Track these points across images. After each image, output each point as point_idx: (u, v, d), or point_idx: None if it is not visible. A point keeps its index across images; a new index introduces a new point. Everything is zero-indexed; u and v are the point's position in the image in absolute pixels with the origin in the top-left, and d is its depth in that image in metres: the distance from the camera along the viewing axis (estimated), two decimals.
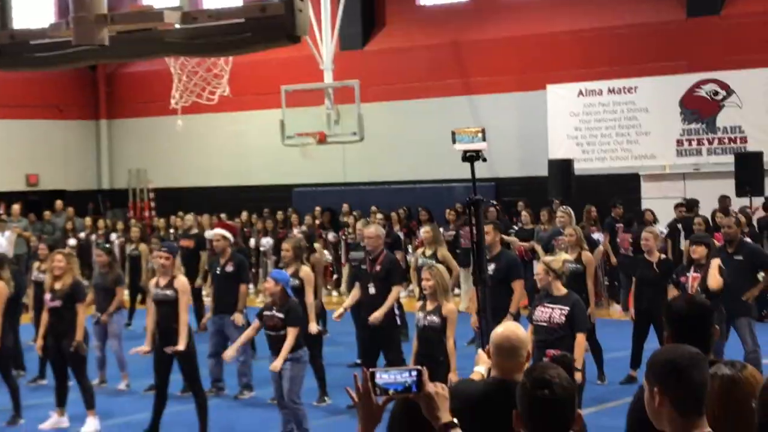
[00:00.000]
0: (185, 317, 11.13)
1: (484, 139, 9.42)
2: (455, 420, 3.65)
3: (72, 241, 24.62)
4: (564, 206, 16.47)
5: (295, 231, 22.04)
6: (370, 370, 3.69)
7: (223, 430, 11.03)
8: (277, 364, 10.36)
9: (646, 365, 3.74)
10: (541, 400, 3.71)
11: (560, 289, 9.92)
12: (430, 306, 10.35)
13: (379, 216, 22.30)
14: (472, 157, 9.43)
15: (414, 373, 3.65)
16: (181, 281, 11.35)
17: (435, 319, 10.21)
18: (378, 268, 12.27)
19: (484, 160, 9.39)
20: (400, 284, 12.51)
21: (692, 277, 11.88)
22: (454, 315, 10.23)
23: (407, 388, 3.65)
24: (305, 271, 12.58)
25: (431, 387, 3.65)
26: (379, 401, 3.67)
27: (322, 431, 11.05)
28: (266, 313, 10.70)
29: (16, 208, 25.09)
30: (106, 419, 12.07)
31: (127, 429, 11.77)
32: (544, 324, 9.68)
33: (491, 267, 11.90)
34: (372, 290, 12.24)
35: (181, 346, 11.02)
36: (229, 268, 13.43)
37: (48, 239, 22.44)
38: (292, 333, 10.43)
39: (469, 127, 9.81)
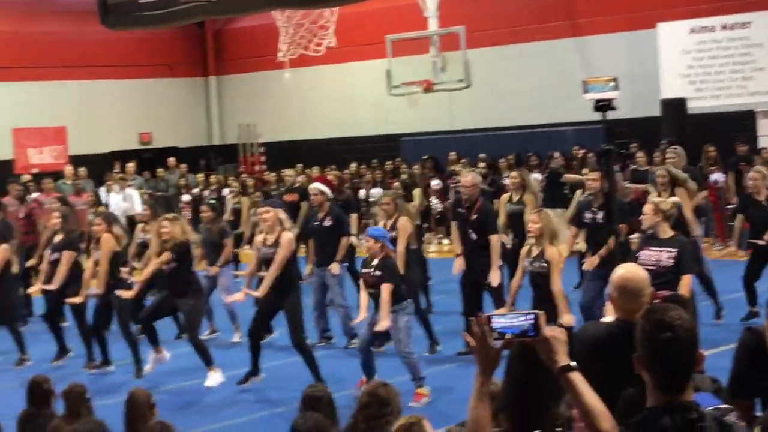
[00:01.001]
0: (273, 272, 11.21)
1: (616, 88, 9.42)
2: (573, 363, 3.62)
3: (186, 197, 24.99)
4: (675, 146, 16.14)
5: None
6: (486, 314, 3.67)
7: (333, 381, 11.12)
8: (384, 323, 10.44)
9: None
10: (663, 343, 3.63)
11: (667, 231, 9.78)
12: (535, 251, 10.34)
13: (482, 164, 22.24)
14: (604, 106, 9.42)
15: (531, 317, 3.62)
16: (286, 237, 11.39)
17: (542, 264, 10.21)
18: (474, 216, 12.31)
19: (614, 108, 9.38)
20: (497, 231, 12.48)
21: None
22: (557, 258, 10.19)
23: (524, 332, 3.62)
24: (402, 222, 12.79)
25: (548, 331, 3.62)
26: (497, 346, 3.66)
27: (433, 380, 11.05)
28: (364, 271, 10.80)
29: (130, 166, 25.54)
30: (222, 372, 12.25)
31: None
32: (652, 267, 9.46)
33: (600, 215, 11.85)
34: (473, 236, 12.33)
35: (259, 292, 11.19)
36: (327, 223, 13.51)
37: (162, 196, 22.94)
38: (386, 289, 10.48)
39: (601, 76, 9.83)
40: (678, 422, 3.61)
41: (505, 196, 14.46)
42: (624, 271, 5.33)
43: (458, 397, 8.86)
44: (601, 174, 12.23)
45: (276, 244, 11.39)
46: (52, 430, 7.46)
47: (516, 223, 13.52)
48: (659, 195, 12.88)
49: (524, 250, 10.69)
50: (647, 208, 9.91)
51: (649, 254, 9.60)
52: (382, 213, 13.18)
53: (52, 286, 13.01)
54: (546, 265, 10.20)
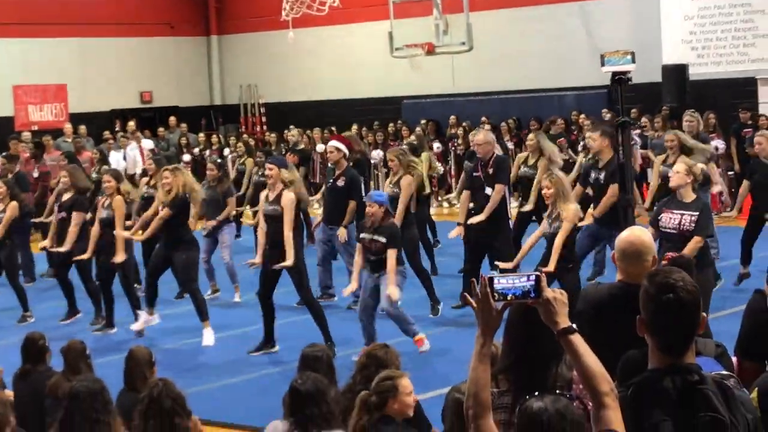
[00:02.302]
0: (288, 234, 11.13)
1: (633, 61, 9.55)
2: (573, 325, 3.64)
3: (186, 157, 24.97)
4: (692, 110, 16.14)
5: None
6: (488, 275, 3.69)
7: (337, 337, 11.17)
8: (394, 293, 10.46)
9: None
10: (665, 304, 3.64)
11: (690, 195, 9.70)
12: (554, 212, 10.43)
13: (487, 127, 22.19)
14: (620, 80, 9.53)
15: (533, 278, 3.63)
16: (287, 197, 11.30)
17: (559, 225, 10.28)
18: (491, 170, 12.32)
19: (630, 80, 9.49)
20: (505, 183, 12.47)
21: None
22: (572, 215, 10.24)
23: (526, 294, 3.63)
24: (406, 180, 12.86)
25: (550, 292, 3.64)
26: (498, 307, 3.67)
27: (435, 341, 11.10)
28: (365, 236, 10.78)
29: (131, 125, 25.50)
30: (220, 331, 12.34)
31: (243, 340, 11.98)
32: (673, 231, 9.44)
33: (602, 175, 11.97)
34: (489, 191, 12.34)
35: (288, 261, 11.09)
36: (341, 183, 13.49)
37: (162, 155, 22.87)
38: (392, 255, 10.51)
39: (618, 50, 10.04)
40: (679, 384, 3.62)
41: (521, 156, 14.45)
42: (628, 234, 5.34)
43: (459, 359, 8.89)
44: (601, 134, 12.31)
45: (277, 200, 11.35)
46: (51, 386, 7.50)
47: (524, 186, 13.51)
48: (666, 160, 12.89)
49: (546, 213, 10.78)
50: (680, 168, 9.82)
51: (671, 217, 9.51)
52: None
53: (63, 249, 12.98)
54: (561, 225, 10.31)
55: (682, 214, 9.53)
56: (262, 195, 11.80)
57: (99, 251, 12.70)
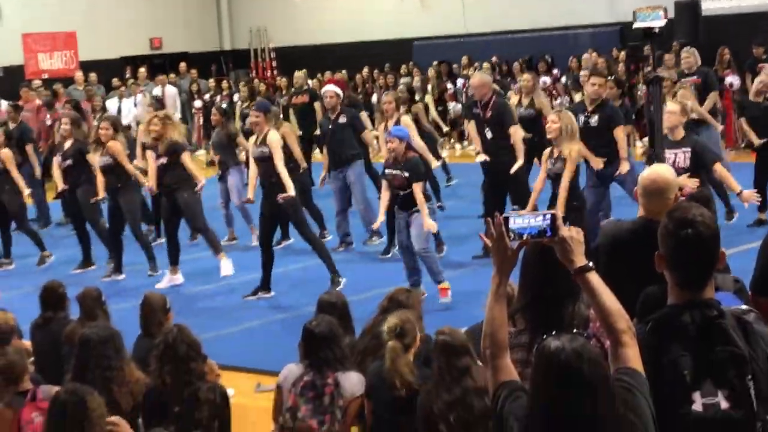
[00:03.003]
0: (282, 170, 11.27)
1: (665, 17, 9.66)
2: (590, 263, 3.61)
3: (197, 103, 24.93)
4: (688, 47, 16.01)
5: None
6: (504, 215, 3.65)
7: (353, 282, 11.18)
8: (432, 225, 10.52)
9: None
10: (684, 239, 3.61)
11: (681, 132, 9.97)
12: (555, 152, 10.33)
13: (486, 65, 22.24)
14: (653, 34, 9.64)
15: (548, 216, 3.59)
16: (272, 138, 11.41)
17: (560, 165, 10.21)
18: (489, 113, 12.27)
19: (661, 35, 9.59)
20: (515, 125, 12.41)
21: None
22: (574, 154, 10.18)
23: (542, 232, 3.60)
24: (404, 120, 12.87)
25: (566, 231, 3.60)
26: (514, 246, 3.64)
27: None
28: (389, 172, 10.77)
29: (142, 71, 25.43)
30: (239, 275, 12.35)
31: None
32: None
33: (594, 119, 11.89)
34: (489, 134, 12.33)
35: (290, 192, 11.18)
36: (342, 119, 13.50)
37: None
38: (418, 188, 10.54)
39: (649, 6, 10.12)
40: (698, 319, 3.61)
41: (514, 99, 14.35)
42: (650, 171, 5.34)
43: (474, 300, 8.90)
44: (605, 80, 12.26)
45: (263, 143, 11.42)
46: (68, 334, 7.52)
47: (525, 128, 13.46)
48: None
49: (546, 152, 10.68)
50: (674, 107, 9.96)
51: (667, 157, 9.64)
52: (383, 113, 13.22)
53: (101, 196, 12.94)
54: (562, 165, 10.22)
55: (676, 153, 9.78)
56: (251, 140, 11.84)
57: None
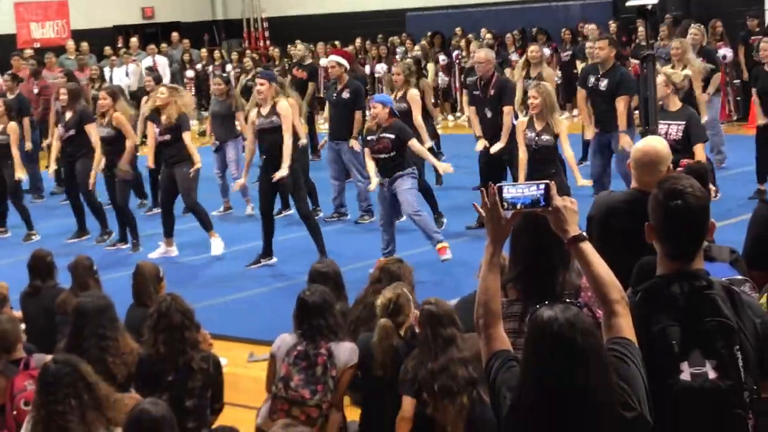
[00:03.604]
0: (288, 141, 11.12)
1: None
2: (583, 233, 3.62)
3: (189, 73, 24.84)
4: (697, 24, 16.01)
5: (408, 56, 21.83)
6: (498, 185, 3.66)
7: (342, 254, 11.18)
8: (443, 165, 10.77)
9: None
10: (674, 210, 3.63)
11: (676, 104, 9.98)
12: (538, 126, 10.32)
13: (488, 36, 22.12)
14: (646, 12, 9.71)
15: (542, 186, 3.60)
16: (283, 106, 11.26)
17: (547, 137, 10.23)
18: (492, 92, 12.24)
19: (654, 12, 9.66)
20: (512, 104, 12.41)
21: None
22: (564, 126, 10.28)
23: (535, 202, 3.61)
24: (412, 94, 12.81)
25: (559, 200, 3.61)
26: (507, 215, 3.65)
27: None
28: (371, 137, 10.77)
29: (134, 41, 25.33)
30: (230, 245, 12.37)
31: (254, 254, 11.90)
32: None
33: (604, 83, 11.94)
34: (489, 114, 12.30)
35: (284, 171, 11.04)
36: (345, 95, 13.44)
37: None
38: (414, 144, 10.72)
39: None
40: (686, 290, 3.64)
41: (520, 70, 14.40)
42: (643, 144, 5.33)
43: (468, 270, 8.92)
44: (609, 43, 12.25)
45: (272, 113, 11.28)
46: (60, 303, 7.53)
47: None
48: (673, 67, 12.82)
49: (521, 122, 10.67)
50: (659, 80, 9.90)
51: (659, 127, 9.60)
52: (390, 84, 13.21)
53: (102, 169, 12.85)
54: (551, 138, 10.24)
55: (669, 124, 9.79)
56: (254, 111, 11.65)
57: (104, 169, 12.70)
